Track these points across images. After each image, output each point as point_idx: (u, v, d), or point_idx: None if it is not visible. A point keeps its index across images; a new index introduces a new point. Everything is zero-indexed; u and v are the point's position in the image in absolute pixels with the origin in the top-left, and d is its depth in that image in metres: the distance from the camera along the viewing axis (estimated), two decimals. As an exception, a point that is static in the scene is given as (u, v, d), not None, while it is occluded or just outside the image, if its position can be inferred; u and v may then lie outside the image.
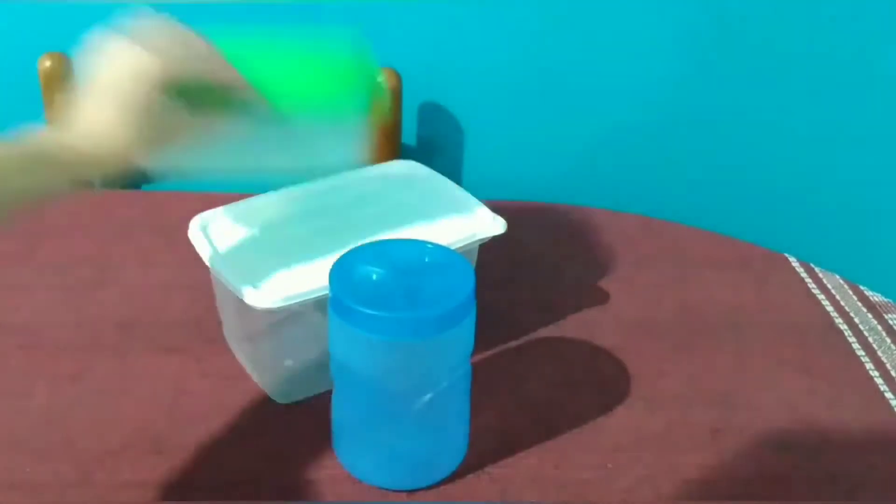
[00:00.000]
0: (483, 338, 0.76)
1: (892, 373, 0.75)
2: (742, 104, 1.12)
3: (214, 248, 0.66)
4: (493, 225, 0.71)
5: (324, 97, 0.63)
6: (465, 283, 0.57)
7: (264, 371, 0.69)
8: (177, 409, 0.67)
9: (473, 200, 0.74)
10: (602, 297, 0.83)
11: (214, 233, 0.68)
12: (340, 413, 0.62)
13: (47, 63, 1.06)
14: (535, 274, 0.86)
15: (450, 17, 1.07)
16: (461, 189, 0.76)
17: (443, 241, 0.66)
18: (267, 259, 0.65)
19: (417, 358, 0.57)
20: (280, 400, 0.68)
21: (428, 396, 0.58)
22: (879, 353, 0.77)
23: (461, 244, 0.68)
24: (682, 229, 0.96)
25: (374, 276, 0.57)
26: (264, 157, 0.64)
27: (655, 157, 1.16)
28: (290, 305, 0.61)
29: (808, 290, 0.86)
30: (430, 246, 0.60)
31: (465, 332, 0.58)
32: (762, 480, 0.63)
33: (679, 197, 1.16)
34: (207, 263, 0.66)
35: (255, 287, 0.61)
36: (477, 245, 0.71)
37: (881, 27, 1.07)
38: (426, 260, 0.59)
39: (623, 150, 1.16)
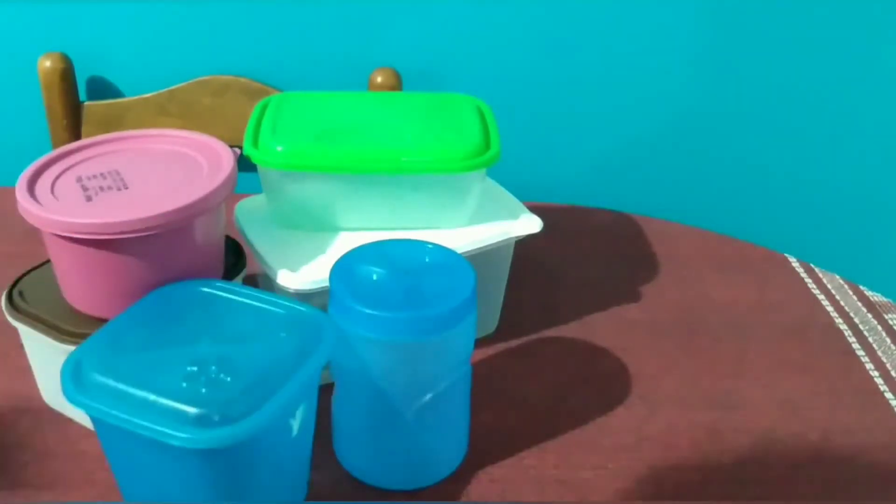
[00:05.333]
0: (483, 338, 0.76)
1: (892, 373, 0.75)
2: (742, 105, 1.12)
3: (257, 230, 0.70)
4: (529, 223, 0.72)
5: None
6: (465, 283, 0.57)
7: None
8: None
9: (510, 197, 0.76)
10: (602, 297, 0.83)
11: (258, 216, 0.72)
12: (340, 413, 0.62)
13: (47, 63, 1.06)
14: (535, 273, 0.86)
15: (450, 17, 1.07)
16: (499, 186, 0.78)
17: (479, 238, 0.69)
18: (308, 245, 0.68)
19: (417, 358, 0.57)
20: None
21: (428, 396, 0.58)
22: (879, 353, 0.77)
23: (497, 240, 0.70)
24: (683, 229, 0.96)
25: (375, 276, 0.57)
26: None
27: (655, 158, 1.16)
28: (320, 289, 0.63)
29: (808, 290, 0.86)
30: (430, 246, 0.60)
31: (465, 332, 0.58)
32: (762, 480, 0.63)
33: (680, 197, 1.16)
34: (251, 243, 0.69)
35: (290, 269, 0.65)
36: (513, 242, 0.73)
37: (881, 29, 1.07)
38: (426, 260, 0.60)
39: (623, 150, 1.16)
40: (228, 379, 0.49)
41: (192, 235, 0.61)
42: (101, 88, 1.12)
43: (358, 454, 0.62)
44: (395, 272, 0.58)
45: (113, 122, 1.11)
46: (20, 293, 0.64)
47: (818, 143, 1.14)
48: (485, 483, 0.62)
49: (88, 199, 0.60)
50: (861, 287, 0.87)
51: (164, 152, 0.67)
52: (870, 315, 0.83)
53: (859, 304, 0.84)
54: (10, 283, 0.65)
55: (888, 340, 0.79)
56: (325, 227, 0.70)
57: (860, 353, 0.77)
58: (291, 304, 0.57)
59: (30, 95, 1.09)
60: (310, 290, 0.64)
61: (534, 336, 0.78)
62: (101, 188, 0.62)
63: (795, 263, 0.90)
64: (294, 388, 0.50)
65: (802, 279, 0.88)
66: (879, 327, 0.81)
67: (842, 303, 0.84)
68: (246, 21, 1.07)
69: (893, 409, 0.70)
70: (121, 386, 0.49)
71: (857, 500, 0.62)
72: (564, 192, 1.06)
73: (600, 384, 0.72)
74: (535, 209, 0.73)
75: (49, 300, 0.63)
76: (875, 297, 0.86)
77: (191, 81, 1.09)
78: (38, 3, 1.06)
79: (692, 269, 0.89)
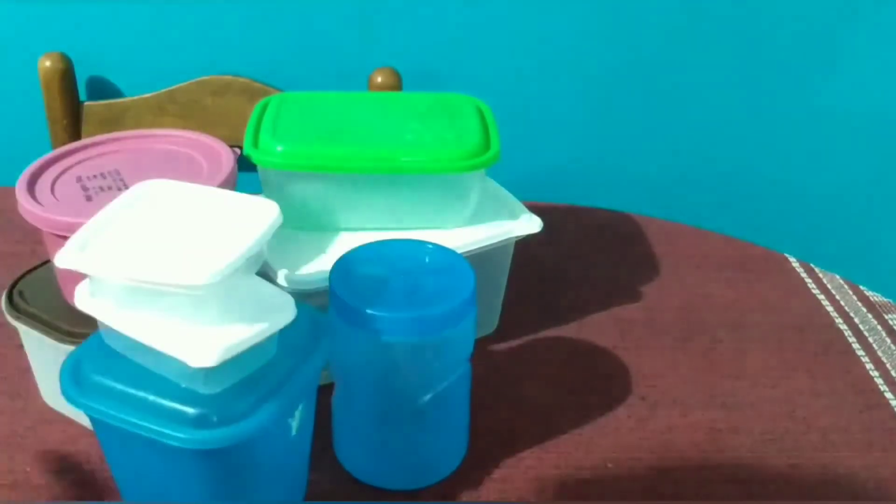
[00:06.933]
0: (483, 338, 0.76)
1: (892, 373, 0.75)
2: (742, 105, 1.12)
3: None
4: (529, 223, 0.72)
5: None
6: (465, 283, 0.57)
7: None
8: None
9: (510, 197, 0.76)
10: (602, 297, 0.83)
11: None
12: (341, 413, 0.62)
13: (47, 63, 1.06)
14: (535, 273, 0.86)
15: (450, 17, 1.07)
16: (499, 186, 0.78)
17: (479, 238, 0.69)
18: (308, 245, 0.68)
19: (417, 358, 0.57)
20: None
21: (428, 396, 0.58)
22: (879, 353, 0.77)
23: (497, 240, 0.70)
24: (682, 229, 0.96)
25: (375, 276, 0.57)
26: None
27: (655, 158, 1.16)
28: (320, 289, 0.62)
29: (808, 290, 0.86)
30: (430, 246, 0.60)
31: (465, 332, 0.58)
32: (762, 480, 0.63)
33: (679, 197, 1.16)
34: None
35: (290, 269, 0.64)
36: (513, 242, 0.72)
37: (882, 29, 1.07)
38: (426, 260, 0.60)
39: (623, 150, 1.16)
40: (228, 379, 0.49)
41: (191, 235, 0.61)
42: (101, 88, 1.12)
43: (358, 454, 0.62)
44: (395, 272, 0.58)
45: (113, 122, 1.11)
46: (20, 293, 0.64)
47: (818, 143, 1.14)
48: (485, 483, 0.62)
49: (88, 199, 0.60)
50: (861, 287, 0.87)
51: (164, 152, 0.67)
52: (870, 315, 0.83)
53: (859, 304, 0.84)
54: (11, 283, 0.65)
55: (888, 340, 0.79)
56: (325, 227, 0.70)
57: (860, 353, 0.77)
58: None
59: (30, 95, 1.09)
60: (310, 290, 0.63)
61: (534, 336, 0.78)
62: (101, 188, 0.62)
63: (795, 263, 0.90)
64: (294, 388, 0.50)
65: (802, 279, 0.88)
66: (879, 327, 0.81)
67: (842, 303, 0.84)
68: (246, 21, 1.08)
69: (893, 409, 0.70)
70: (120, 386, 0.49)
71: (857, 499, 0.62)
72: (564, 192, 1.06)
73: (600, 384, 0.72)
74: (535, 209, 0.73)
75: (49, 300, 0.63)
76: (875, 297, 0.86)
77: (191, 81, 1.09)
78: (38, 3, 1.06)
79: (692, 269, 0.89)
